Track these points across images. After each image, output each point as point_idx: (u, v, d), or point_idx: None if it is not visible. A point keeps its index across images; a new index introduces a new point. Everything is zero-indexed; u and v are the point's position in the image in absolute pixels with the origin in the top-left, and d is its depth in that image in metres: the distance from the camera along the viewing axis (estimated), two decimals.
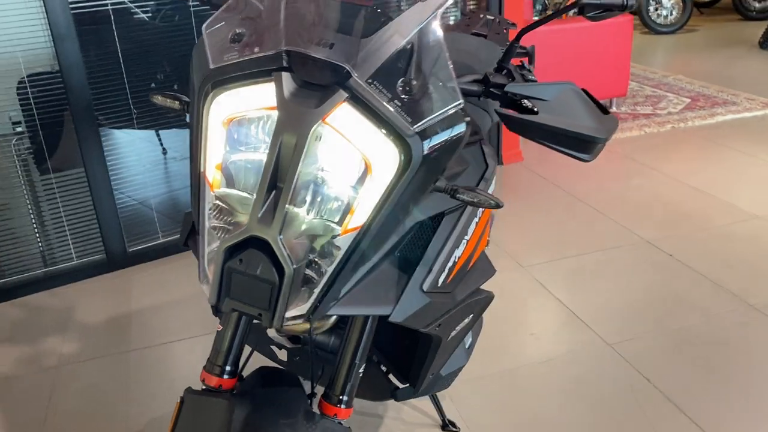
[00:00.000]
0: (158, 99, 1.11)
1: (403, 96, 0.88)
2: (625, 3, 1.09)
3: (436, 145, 0.90)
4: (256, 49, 0.90)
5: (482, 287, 1.38)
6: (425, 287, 1.11)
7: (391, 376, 1.50)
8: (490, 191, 1.30)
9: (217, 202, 0.93)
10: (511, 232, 3.01)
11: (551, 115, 1.04)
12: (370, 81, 0.86)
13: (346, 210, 0.90)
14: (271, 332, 1.38)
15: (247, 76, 0.89)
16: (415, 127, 0.87)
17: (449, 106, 0.90)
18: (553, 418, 1.92)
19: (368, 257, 0.97)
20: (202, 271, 0.96)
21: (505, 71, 1.08)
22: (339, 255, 0.91)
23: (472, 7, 3.28)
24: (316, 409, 1.16)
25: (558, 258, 2.77)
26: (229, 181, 0.92)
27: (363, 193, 0.89)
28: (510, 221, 3.11)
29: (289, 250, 0.88)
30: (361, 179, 0.89)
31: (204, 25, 0.97)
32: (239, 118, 0.91)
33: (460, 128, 0.93)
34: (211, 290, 0.92)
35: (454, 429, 1.90)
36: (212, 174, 0.93)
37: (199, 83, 0.93)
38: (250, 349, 1.27)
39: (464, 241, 1.20)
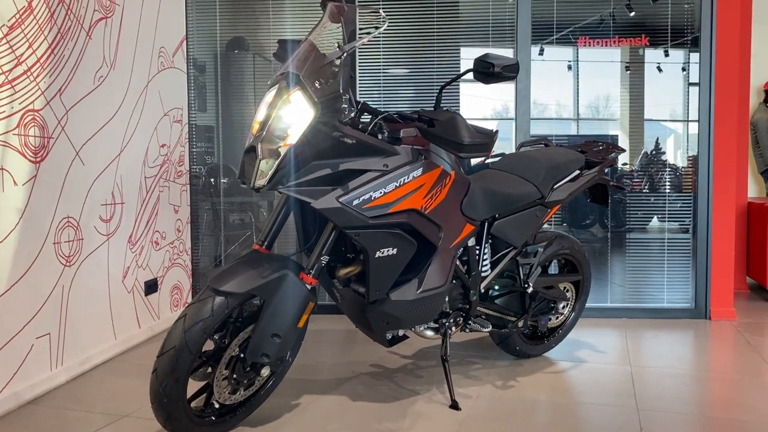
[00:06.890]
0: None
1: (317, 86, 2.04)
2: (493, 72, 2.17)
3: (325, 111, 2.05)
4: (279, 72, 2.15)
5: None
6: (340, 200, 2.09)
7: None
8: (407, 176, 2.22)
9: (251, 133, 2.12)
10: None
11: (440, 129, 2.17)
12: (306, 79, 2.04)
13: (285, 137, 2.03)
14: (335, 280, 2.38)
15: (274, 81, 2.15)
16: (318, 99, 2.03)
17: (333, 92, 2.07)
18: None
19: (300, 162, 2.05)
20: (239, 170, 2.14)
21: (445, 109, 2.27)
22: (281, 156, 2.02)
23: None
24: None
25: None
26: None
27: (293, 128, 2.03)
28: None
29: (262, 152, 2.03)
30: (295, 123, 2.03)
31: None
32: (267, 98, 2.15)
33: (338, 104, 2.09)
34: (239, 172, 2.12)
35: (457, 409, 2.41)
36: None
37: None
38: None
39: (381, 191, 2.16)
